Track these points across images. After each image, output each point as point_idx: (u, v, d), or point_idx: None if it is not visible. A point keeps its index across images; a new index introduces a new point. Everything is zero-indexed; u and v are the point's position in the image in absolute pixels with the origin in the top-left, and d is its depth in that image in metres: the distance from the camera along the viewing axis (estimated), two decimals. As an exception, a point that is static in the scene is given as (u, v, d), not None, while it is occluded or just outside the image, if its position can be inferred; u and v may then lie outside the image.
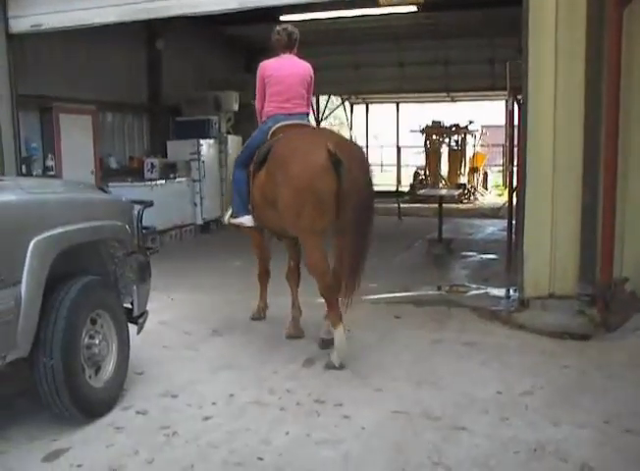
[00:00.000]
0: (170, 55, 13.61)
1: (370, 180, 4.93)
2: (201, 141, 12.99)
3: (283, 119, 5.45)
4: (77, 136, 11.10)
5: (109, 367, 4.22)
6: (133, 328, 4.67)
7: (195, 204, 12.94)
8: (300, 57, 5.75)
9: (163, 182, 12.01)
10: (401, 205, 15.63)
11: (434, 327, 6.29)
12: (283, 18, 13.42)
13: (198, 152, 12.92)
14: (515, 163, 8.56)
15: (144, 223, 4.69)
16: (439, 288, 8.00)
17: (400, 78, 18.29)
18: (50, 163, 10.53)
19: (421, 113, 25.91)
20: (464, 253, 10.58)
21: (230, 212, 5.97)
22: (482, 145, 22.65)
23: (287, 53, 5.65)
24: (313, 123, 5.55)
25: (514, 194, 8.89)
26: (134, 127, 13.24)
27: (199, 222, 13.03)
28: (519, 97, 8.45)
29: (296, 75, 5.56)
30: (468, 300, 7.42)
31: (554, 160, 6.43)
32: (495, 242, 11.70)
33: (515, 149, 8.47)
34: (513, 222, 9.03)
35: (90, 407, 4.01)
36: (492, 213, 16.69)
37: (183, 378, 4.89)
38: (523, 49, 6.46)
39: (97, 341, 4.07)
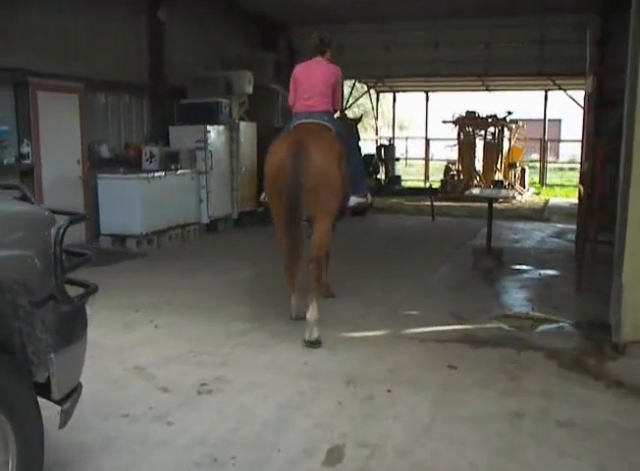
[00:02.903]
0: (175, 28, 11.90)
1: (300, 173, 5.29)
2: (209, 127, 11.25)
3: (303, 116, 5.97)
4: (60, 119, 9.46)
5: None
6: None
7: (201, 200, 11.31)
8: (332, 62, 6.18)
9: (162, 174, 10.34)
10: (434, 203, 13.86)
11: (506, 387, 4.54)
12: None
13: (205, 140, 11.22)
14: (597, 158, 6.82)
15: (77, 247, 2.95)
16: (493, 319, 6.22)
17: (434, 60, 16.35)
18: (26, 149, 8.89)
19: (451, 104, 24.01)
20: (517, 267, 8.81)
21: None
22: (519, 139, 20.74)
23: (317, 57, 6.15)
24: (335, 118, 6.28)
25: (585, 196, 7.19)
26: (132, 110, 11.42)
27: (205, 220, 11.39)
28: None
29: (321, 75, 6.03)
30: (539, 339, 5.74)
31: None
32: (549, 253, 10.00)
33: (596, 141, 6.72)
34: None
35: None
36: (534, 215, 15.04)
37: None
38: (632, 22, 4.77)
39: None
